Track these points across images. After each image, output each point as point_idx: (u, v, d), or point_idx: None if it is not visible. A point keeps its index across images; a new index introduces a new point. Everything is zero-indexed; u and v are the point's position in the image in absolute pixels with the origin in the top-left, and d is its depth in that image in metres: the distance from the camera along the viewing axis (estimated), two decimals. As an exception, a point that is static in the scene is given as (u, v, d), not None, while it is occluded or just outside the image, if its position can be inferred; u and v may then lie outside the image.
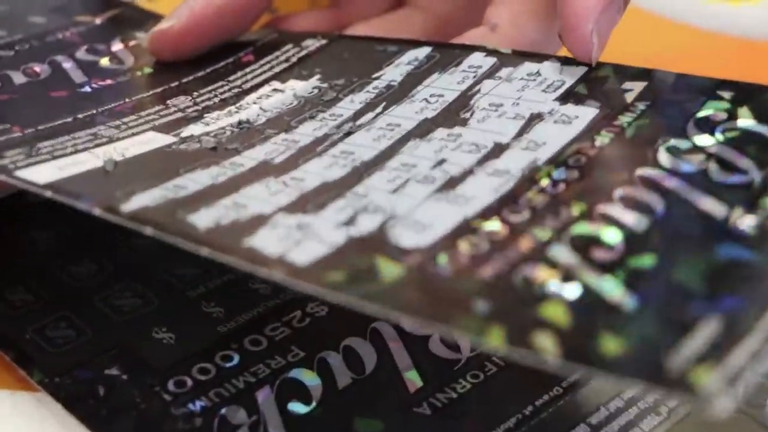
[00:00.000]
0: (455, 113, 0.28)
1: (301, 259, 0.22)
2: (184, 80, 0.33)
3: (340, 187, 0.25)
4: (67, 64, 0.34)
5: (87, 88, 0.33)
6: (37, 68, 0.34)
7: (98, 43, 0.36)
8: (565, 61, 0.29)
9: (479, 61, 0.30)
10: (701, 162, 0.24)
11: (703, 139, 0.25)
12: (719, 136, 0.25)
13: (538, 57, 0.30)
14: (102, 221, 0.25)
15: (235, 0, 0.34)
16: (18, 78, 0.33)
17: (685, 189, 0.23)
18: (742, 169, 0.23)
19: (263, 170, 0.26)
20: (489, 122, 0.27)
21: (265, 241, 0.23)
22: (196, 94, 0.32)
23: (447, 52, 0.31)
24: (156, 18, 0.38)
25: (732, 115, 0.26)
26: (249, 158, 0.27)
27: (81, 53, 0.35)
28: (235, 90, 0.32)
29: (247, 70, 0.33)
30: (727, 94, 0.26)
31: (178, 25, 0.34)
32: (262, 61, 0.34)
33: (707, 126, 0.25)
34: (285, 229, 0.23)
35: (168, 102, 0.31)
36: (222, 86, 0.33)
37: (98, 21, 0.38)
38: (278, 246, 0.22)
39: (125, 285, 0.31)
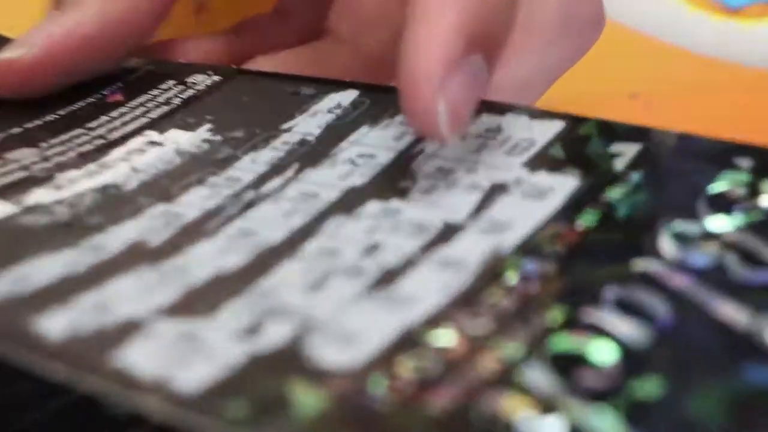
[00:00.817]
0: (391, 181, 0.28)
1: (188, 385, 0.21)
2: (29, 125, 0.33)
3: (238, 280, 0.25)
4: None
5: None
6: None
7: None
8: (535, 114, 0.30)
9: None
10: (717, 253, 0.24)
11: (719, 223, 0.25)
12: (739, 219, 0.25)
13: (499, 108, 0.30)
14: None
15: (109, 26, 0.34)
16: None
17: (698, 289, 0.23)
18: None
19: (136, 256, 0.26)
20: (437, 194, 0.27)
21: (139, 358, 0.22)
22: (45, 145, 0.32)
23: (379, 98, 0.31)
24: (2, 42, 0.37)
25: (754, 191, 0.26)
26: (116, 238, 0.27)
27: None
28: (98, 142, 0.32)
29: (114, 114, 0.33)
30: (746, 163, 0.27)
31: (31, 55, 0.33)
32: (133, 102, 0.34)
33: (723, 205, 0.25)
34: (166, 342, 0.23)
35: (6, 156, 0.31)
36: (80, 135, 0.32)
37: None
38: (157, 365, 0.22)
39: None
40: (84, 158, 0.31)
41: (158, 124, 0.33)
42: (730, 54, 0.51)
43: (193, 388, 0.21)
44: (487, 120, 0.30)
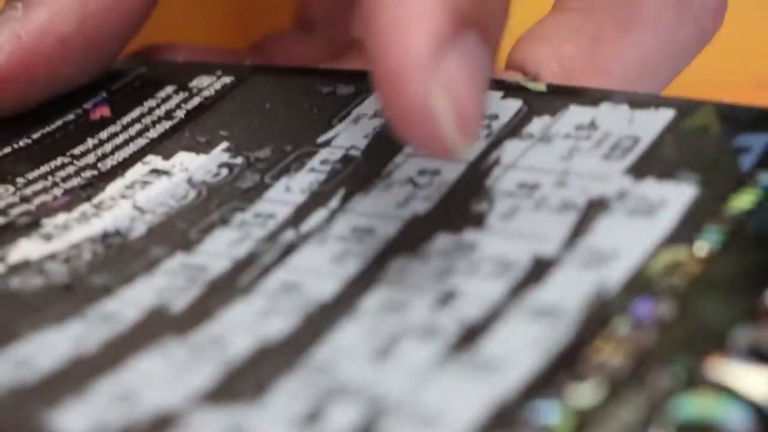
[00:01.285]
0: (463, 205, 0.30)
1: None
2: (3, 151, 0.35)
3: (287, 352, 0.27)
4: None
5: None
6: None
7: None
8: (637, 102, 0.31)
9: (494, 106, 0.32)
10: None
11: None
12: None
13: (592, 96, 0.32)
14: None
15: (90, 21, 0.36)
16: None
17: None
18: None
19: (157, 326, 0.28)
20: (520, 219, 0.29)
21: None
22: (21, 181, 0.33)
23: None
24: None
25: None
26: (130, 304, 0.28)
27: None
28: (88, 174, 0.33)
29: (102, 135, 0.35)
30: None
31: None
32: (125, 119, 0.35)
33: None
34: None
35: None
36: (64, 166, 0.34)
37: None
38: None
39: None
40: (73, 196, 0.33)
41: (160, 146, 0.34)
42: None
43: None
44: (578, 113, 0.31)
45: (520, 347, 0.26)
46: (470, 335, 0.26)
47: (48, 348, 0.28)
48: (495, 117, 0.31)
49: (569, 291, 0.27)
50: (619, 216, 0.28)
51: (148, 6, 0.36)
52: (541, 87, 0.32)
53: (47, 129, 0.35)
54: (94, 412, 0.26)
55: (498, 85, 0.33)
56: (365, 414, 0.25)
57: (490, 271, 0.27)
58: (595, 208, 0.28)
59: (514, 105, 0.31)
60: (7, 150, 0.34)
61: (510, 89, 0.32)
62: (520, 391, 0.25)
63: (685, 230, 0.28)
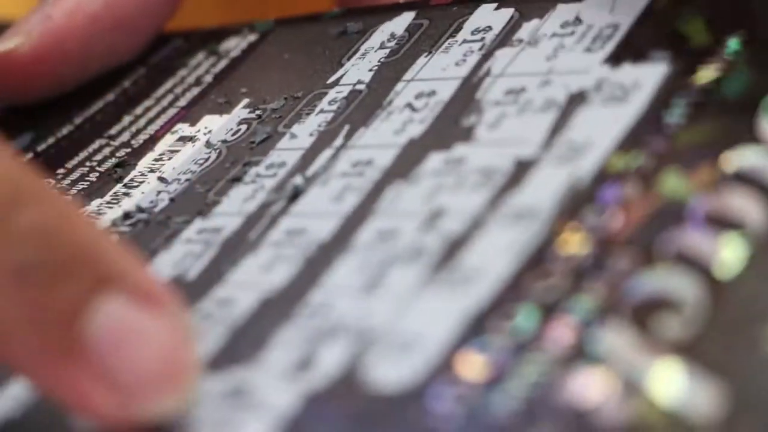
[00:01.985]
0: (454, 121, 0.30)
1: None
2: (41, 147, 0.36)
3: (286, 302, 0.28)
4: None
5: None
6: None
7: None
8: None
9: (488, 18, 0.33)
10: None
11: None
12: None
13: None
14: None
15: (119, 4, 0.36)
16: None
17: None
18: None
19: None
20: (506, 126, 0.30)
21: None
22: (61, 172, 0.35)
23: (439, 15, 0.34)
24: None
25: None
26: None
27: None
28: (122, 152, 0.34)
29: (138, 110, 0.36)
30: None
31: (28, 45, 0.35)
32: (160, 91, 0.36)
33: None
34: (215, 404, 0.26)
35: None
36: (101, 149, 0.35)
37: None
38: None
39: None
40: (107, 179, 0.34)
41: (189, 113, 0.35)
42: None
43: None
44: (565, 10, 0.32)
45: (496, 255, 0.26)
46: (452, 251, 0.27)
47: None
48: (488, 28, 0.32)
49: (545, 189, 0.27)
50: (597, 106, 0.28)
51: None
52: None
53: (89, 112, 0.36)
54: None
55: None
56: (352, 351, 0.25)
57: (474, 182, 0.28)
58: (574, 102, 0.29)
59: (506, 14, 0.31)
60: (51, 140, 0.36)
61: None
62: (492, 299, 0.25)
63: (655, 110, 0.28)
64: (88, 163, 0.34)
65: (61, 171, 0.34)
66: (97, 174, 0.34)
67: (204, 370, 0.26)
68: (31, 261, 0.23)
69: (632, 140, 0.27)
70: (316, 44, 0.34)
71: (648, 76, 0.29)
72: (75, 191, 0.34)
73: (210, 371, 0.27)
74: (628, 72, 0.29)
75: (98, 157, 0.34)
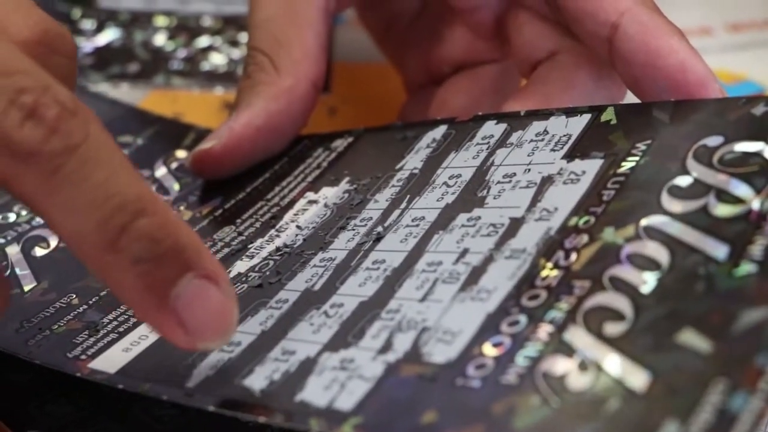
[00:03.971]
0: (473, 193, 0.30)
1: (347, 405, 0.23)
2: (227, 206, 0.35)
3: (375, 305, 0.27)
4: None
5: None
6: None
7: (143, 168, 0.38)
8: (570, 112, 0.30)
9: (491, 130, 0.32)
10: (702, 197, 0.25)
11: (703, 171, 0.26)
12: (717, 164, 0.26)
13: (544, 114, 0.31)
14: None
15: (273, 120, 0.35)
16: None
17: (687, 232, 0.24)
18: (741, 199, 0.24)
19: (306, 302, 0.28)
20: (504, 197, 0.29)
21: (315, 392, 0.24)
22: (239, 221, 0.34)
23: (462, 127, 0.33)
24: (194, 130, 0.40)
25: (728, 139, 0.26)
26: (292, 290, 0.29)
27: None
28: (274, 209, 0.34)
29: (284, 183, 0.35)
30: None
31: (219, 145, 0.35)
32: (296, 171, 0.35)
33: (705, 155, 0.26)
34: (330, 372, 0.25)
35: (215, 237, 0.33)
36: (261, 207, 0.34)
37: (140, 141, 0.40)
38: (326, 395, 0.24)
39: (102, 425, 0.31)
40: (265, 226, 0.33)
41: (314, 185, 0.34)
42: None
43: (349, 405, 0.23)
44: (537, 125, 0.31)
45: (501, 279, 0.26)
46: (474, 276, 0.26)
47: (247, 331, 0.28)
48: (491, 136, 0.31)
49: (530, 237, 0.27)
50: (560, 186, 0.28)
51: (307, 114, 0.36)
52: (519, 112, 0.32)
53: (254, 184, 0.35)
54: (268, 371, 0.26)
55: (492, 117, 0.32)
56: (415, 338, 0.25)
57: (486, 233, 0.27)
58: (545, 182, 0.28)
59: (501, 127, 0.31)
60: (232, 201, 0.35)
61: (500, 118, 0.32)
62: (499, 307, 0.25)
63: (595, 189, 0.27)
64: (254, 216, 0.34)
65: (238, 221, 0.34)
66: (260, 223, 0.33)
67: (322, 350, 0.26)
68: (145, 253, 0.23)
69: (583, 207, 0.26)
70: (388, 144, 0.34)
71: (591, 166, 0.28)
72: (246, 234, 0.33)
73: (326, 350, 0.26)
74: (578, 164, 0.28)
75: (260, 212, 0.34)
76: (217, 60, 0.52)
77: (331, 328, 0.27)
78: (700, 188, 0.25)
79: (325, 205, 0.33)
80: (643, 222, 0.25)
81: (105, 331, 0.30)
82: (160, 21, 0.54)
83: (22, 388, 0.32)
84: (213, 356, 0.27)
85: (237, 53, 0.52)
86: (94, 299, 0.31)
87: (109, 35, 0.53)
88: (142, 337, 0.29)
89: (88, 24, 0.54)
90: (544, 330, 0.23)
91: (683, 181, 0.26)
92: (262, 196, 0.35)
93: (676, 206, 0.25)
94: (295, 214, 0.33)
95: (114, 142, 0.24)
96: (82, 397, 0.31)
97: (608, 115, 0.30)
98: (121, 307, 0.31)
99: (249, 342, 0.27)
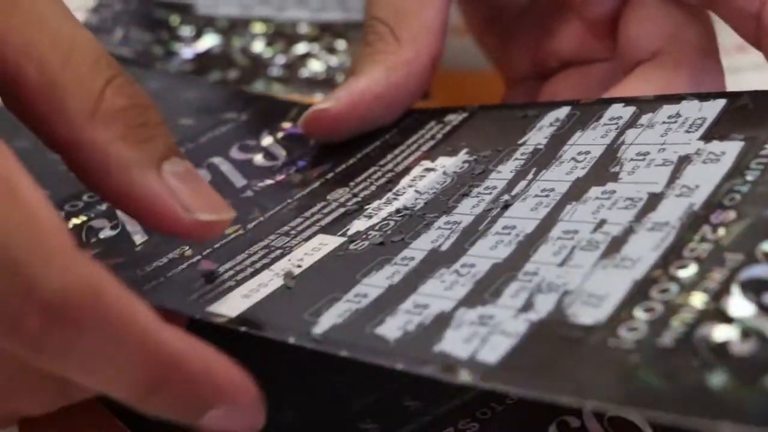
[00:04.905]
0: (604, 169, 0.29)
1: (491, 358, 0.23)
2: (338, 170, 0.35)
3: (510, 268, 0.26)
4: (225, 167, 0.36)
5: (249, 192, 0.34)
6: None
7: (248, 139, 0.38)
8: (703, 97, 0.30)
9: (619, 112, 0.31)
10: None
11: None
12: None
13: (676, 98, 0.31)
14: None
15: (391, 90, 0.35)
16: None
17: None
18: None
19: (434, 261, 0.28)
20: (639, 173, 0.28)
21: (454, 344, 0.24)
22: (352, 184, 0.34)
23: (587, 109, 0.32)
24: (299, 106, 0.39)
25: None
26: (417, 249, 0.28)
27: (234, 152, 0.36)
28: (389, 174, 0.33)
29: (396, 151, 0.35)
30: None
31: (337, 106, 0.35)
32: (408, 141, 0.35)
33: None
34: (469, 327, 0.24)
35: (328, 197, 0.33)
36: (375, 172, 0.34)
37: (244, 116, 0.40)
38: (467, 347, 0.24)
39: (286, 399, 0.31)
40: (381, 189, 0.33)
41: (429, 155, 0.34)
42: None
43: (495, 359, 0.23)
44: (668, 109, 0.30)
45: (645, 249, 0.25)
46: (615, 245, 0.26)
47: (373, 284, 0.28)
48: (620, 117, 0.31)
49: (672, 212, 0.26)
50: (699, 165, 0.28)
51: (425, 84, 0.36)
52: (647, 97, 0.32)
53: (365, 151, 0.35)
54: (400, 322, 0.26)
55: (618, 100, 0.32)
56: (557, 300, 0.24)
57: (624, 206, 0.27)
58: (683, 161, 0.27)
59: (630, 110, 0.31)
60: (343, 166, 0.34)
61: (628, 101, 0.32)
62: (647, 276, 0.24)
63: (738, 168, 0.27)
64: (369, 179, 0.33)
65: (351, 183, 0.33)
66: (374, 187, 0.33)
67: (457, 305, 0.25)
68: None
69: (726, 186, 0.26)
70: (507, 120, 0.33)
71: (731, 148, 0.27)
72: (362, 196, 0.33)
73: (462, 306, 0.25)
74: (717, 145, 0.28)
75: (374, 176, 0.34)
76: (315, 67, 0.52)
77: (464, 285, 0.26)
78: None
79: (444, 173, 0.32)
80: None
81: (221, 279, 0.29)
82: (258, 28, 0.55)
83: None
84: (339, 305, 0.27)
85: (335, 60, 0.52)
86: (207, 251, 0.31)
87: (208, 42, 0.54)
88: (261, 285, 0.29)
89: (186, 31, 0.54)
90: (699, 298, 0.23)
91: None
92: (375, 162, 0.35)
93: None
94: (412, 180, 0.33)
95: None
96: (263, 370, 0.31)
97: (744, 100, 0.29)
98: (237, 257, 0.30)
99: (376, 294, 0.27)
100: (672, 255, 0.24)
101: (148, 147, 0.26)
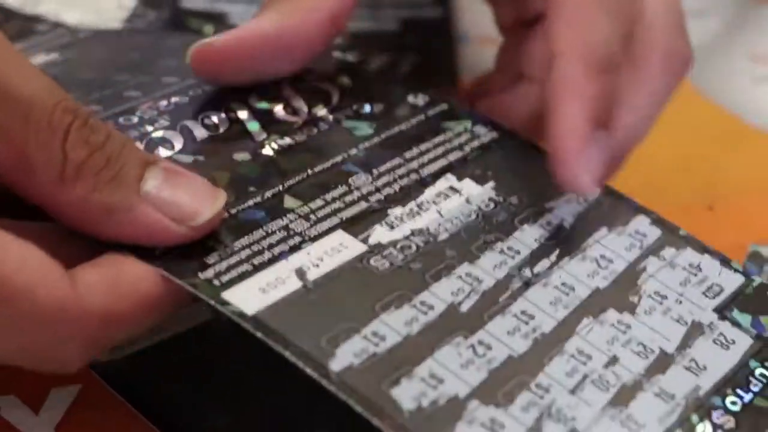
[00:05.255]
0: (625, 292, 0.31)
1: None
2: (362, 146, 0.34)
3: (525, 371, 0.28)
4: (243, 114, 0.34)
5: (268, 150, 0.33)
6: (215, 118, 0.33)
7: (268, 86, 0.36)
8: (723, 261, 0.32)
9: (645, 227, 0.33)
10: None
11: None
12: None
13: (699, 246, 0.33)
14: None
15: (286, 32, 0.34)
16: (198, 131, 0.33)
17: None
18: None
19: (452, 321, 0.28)
20: (655, 317, 0.30)
21: None
22: (375, 172, 0.33)
23: (613, 204, 0.34)
24: None
25: None
26: (437, 298, 0.29)
27: (253, 99, 0.34)
28: (413, 176, 0.33)
29: (422, 147, 0.34)
30: None
31: (222, 41, 0.33)
32: (435, 140, 0.35)
33: None
34: (480, 428, 0.26)
35: (350, 181, 0.32)
36: (400, 166, 0.33)
37: None
38: None
39: None
40: (405, 195, 0.32)
41: (455, 169, 0.34)
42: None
43: None
44: (691, 254, 0.32)
45: (651, 417, 0.27)
46: (624, 396, 0.28)
47: (392, 326, 0.28)
48: (645, 236, 0.32)
49: (679, 385, 0.28)
50: (709, 342, 0.30)
51: (327, 38, 0.35)
52: (671, 225, 0.33)
53: (390, 131, 0.35)
54: (416, 391, 0.26)
55: (644, 212, 0.33)
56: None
57: (637, 351, 0.29)
58: (696, 328, 0.30)
59: (655, 231, 0.33)
60: (366, 144, 0.34)
61: (654, 219, 0.33)
62: None
63: (745, 367, 0.29)
64: (392, 174, 0.33)
65: (374, 171, 0.33)
66: (398, 187, 0.33)
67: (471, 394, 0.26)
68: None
69: (731, 383, 0.28)
70: (539, 171, 0.34)
71: (741, 340, 0.30)
72: (385, 194, 0.32)
73: (475, 398, 0.26)
74: (729, 329, 0.30)
75: (399, 173, 0.33)
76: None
77: (479, 371, 0.27)
78: None
79: (468, 201, 0.33)
80: None
81: (238, 256, 0.29)
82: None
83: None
84: (356, 340, 0.27)
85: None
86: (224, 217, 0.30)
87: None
88: (279, 281, 0.28)
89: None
90: None
91: None
92: (399, 150, 0.34)
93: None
94: (437, 196, 0.33)
95: None
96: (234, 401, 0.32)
97: (757, 288, 0.32)
98: (255, 233, 0.30)
99: (393, 342, 0.27)
100: None
101: (122, 181, 0.27)
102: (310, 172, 0.32)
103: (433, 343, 0.28)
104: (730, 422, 0.27)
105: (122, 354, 0.33)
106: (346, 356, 0.26)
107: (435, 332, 0.28)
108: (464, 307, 0.29)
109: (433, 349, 0.27)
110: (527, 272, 0.31)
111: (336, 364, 0.26)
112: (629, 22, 0.35)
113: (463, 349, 0.28)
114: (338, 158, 0.33)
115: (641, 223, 0.33)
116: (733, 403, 0.28)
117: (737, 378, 0.29)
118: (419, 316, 0.28)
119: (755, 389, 0.28)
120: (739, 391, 0.28)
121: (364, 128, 0.35)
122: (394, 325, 0.28)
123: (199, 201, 0.28)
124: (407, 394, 0.26)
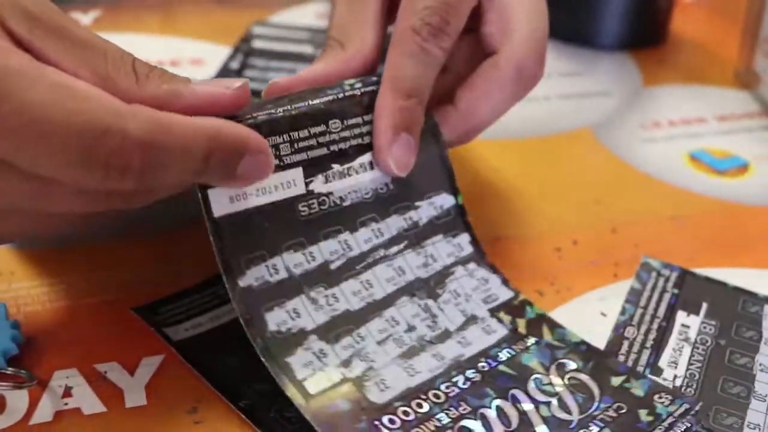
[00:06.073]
0: (435, 285, 0.39)
1: (312, 388, 0.33)
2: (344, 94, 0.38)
3: (354, 321, 0.35)
4: None
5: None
6: None
7: None
8: (504, 281, 0.41)
9: (464, 243, 0.41)
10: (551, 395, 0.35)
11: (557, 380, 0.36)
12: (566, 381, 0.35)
13: (492, 268, 0.41)
14: None
15: (330, 75, 0.42)
16: None
17: (534, 414, 0.34)
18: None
19: (322, 274, 0.36)
20: (449, 307, 0.38)
21: (296, 365, 0.33)
22: (346, 123, 0.38)
23: (455, 218, 0.41)
24: None
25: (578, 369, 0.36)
26: (320, 253, 0.37)
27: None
28: (357, 141, 0.39)
29: (359, 120, 0.40)
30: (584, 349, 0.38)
31: (286, 80, 0.41)
32: (367, 117, 0.40)
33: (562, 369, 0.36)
34: (312, 355, 0.33)
35: (330, 123, 0.38)
36: (365, 123, 0.39)
37: None
38: (304, 371, 0.33)
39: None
40: (356, 151, 0.38)
41: (368, 149, 0.39)
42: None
43: (315, 390, 0.32)
44: (484, 271, 0.40)
45: (425, 368, 0.36)
46: (412, 352, 0.36)
47: (284, 264, 0.35)
48: (462, 249, 0.41)
49: (450, 352, 0.37)
50: (479, 328, 0.39)
51: (366, 71, 0.44)
52: (480, 248, 0.41)
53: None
54: (280, 318, 0.34)
55: (470, 232, 0.41)
56: (365, 370, 0.35)
57: (429, 325, 0.38)
58: (472, 319, 0.40)
59: (469, 249, 0.41)
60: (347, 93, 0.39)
61: (473, 239, 0.41)
62: (416, 389, 0.35)
63: (498, 347, 0.38)
64: (352, 130, 0.39)
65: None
66: (350, 145, 0.39)
67: (315, 329, 0.35)
68: None
69: (487, 353, 0.38)
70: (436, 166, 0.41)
71: (501, 330, 0.39)
72: (340, 146, 0.38)
73: (315, 334, 0.34)
74: (494, 323, 0.39)
75: (357, 131, 0.39)
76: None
77: (325, 315, 0.35)
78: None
79: (372, 180, 0.38)
80: (512, 390, 0.35)
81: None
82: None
83: (235, 370, 0.37)
84: (261, 269, 0.34)
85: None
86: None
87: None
88: (243, 194, 0.34)
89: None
90: (432, 426, 0.33)
91: (544, 379, 0.36)
92: (369, 110, 0.39)
93: (534, 393, 0.35)
94: (360, 165, 0.38)
95: None
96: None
97: (521, 300, 0.40)
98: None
99: (282, 277, 0.35)
100: (434, 383, 0.35)
101: (177, 78, 0.35)
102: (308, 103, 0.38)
103: (304, 287, 0.35)
104: (477, 377, 0.36)
105: (193, 333, 0.39)
106: (250, 278, 0.33)
107: (308, 279, 0.35)
108: (333, 266, 0.36)
109: (302, 291, 0.35)
110: (381, 252, 0.38)
111: (243, 282, 0.34)
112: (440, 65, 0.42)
113: (321, 297, 0.35)
114: (328, 98, 0.38)
115: (464, 239, 0.41)
116: (483, 366, 0.36)
117: (490, 352, 0.37)
118: (304, 262, 0.35)
119: (502, 359, 0.38)
120: (489, 360, 0.37)
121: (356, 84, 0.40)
122: (288, 264, 0.35)
123: (227, 81, 0.35)
124: (274, 319, 0.34)
